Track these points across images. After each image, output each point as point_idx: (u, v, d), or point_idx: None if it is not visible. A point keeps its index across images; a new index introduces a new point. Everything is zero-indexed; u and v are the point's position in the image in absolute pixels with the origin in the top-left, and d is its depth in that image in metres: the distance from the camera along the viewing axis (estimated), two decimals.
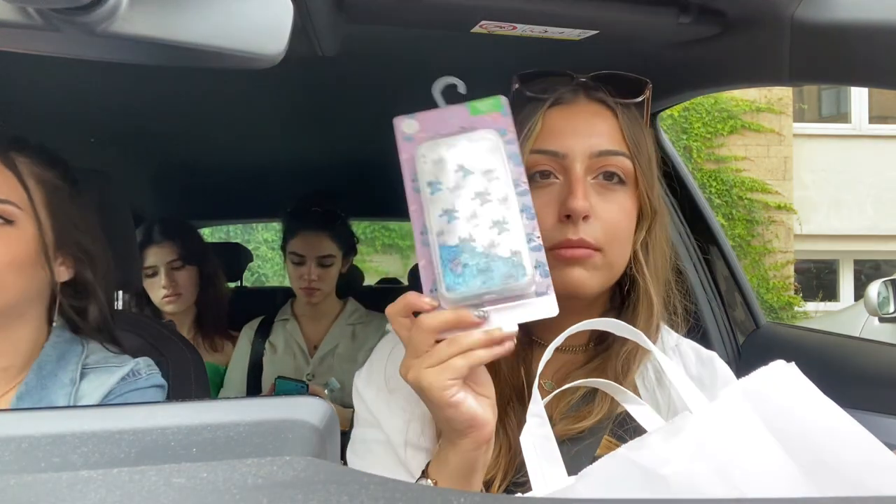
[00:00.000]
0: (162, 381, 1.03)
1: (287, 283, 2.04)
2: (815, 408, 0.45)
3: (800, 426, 0.44)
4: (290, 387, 1.81)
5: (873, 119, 8.23)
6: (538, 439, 0.54)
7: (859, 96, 8.12)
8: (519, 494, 0.58)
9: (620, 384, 0.69)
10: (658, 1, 0.83)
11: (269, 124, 1.63)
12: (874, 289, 3.37)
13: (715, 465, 0.43)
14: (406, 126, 0.66)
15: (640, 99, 0.79)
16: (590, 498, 0.44)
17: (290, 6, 0.40)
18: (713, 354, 0.85)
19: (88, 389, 0.93)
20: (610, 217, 0.74)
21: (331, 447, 0.30)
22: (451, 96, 0.80)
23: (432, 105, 0.67)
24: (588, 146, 0.74)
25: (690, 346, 0.85)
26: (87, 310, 0.98)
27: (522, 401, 0.76)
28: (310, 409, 0.30)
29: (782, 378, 0.46)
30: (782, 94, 7.79)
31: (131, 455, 0.27)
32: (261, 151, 1.88)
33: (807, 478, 0.43)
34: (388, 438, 0.77)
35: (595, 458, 0.70)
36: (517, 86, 0.80)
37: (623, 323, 0.62)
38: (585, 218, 0.72)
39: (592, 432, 0.75)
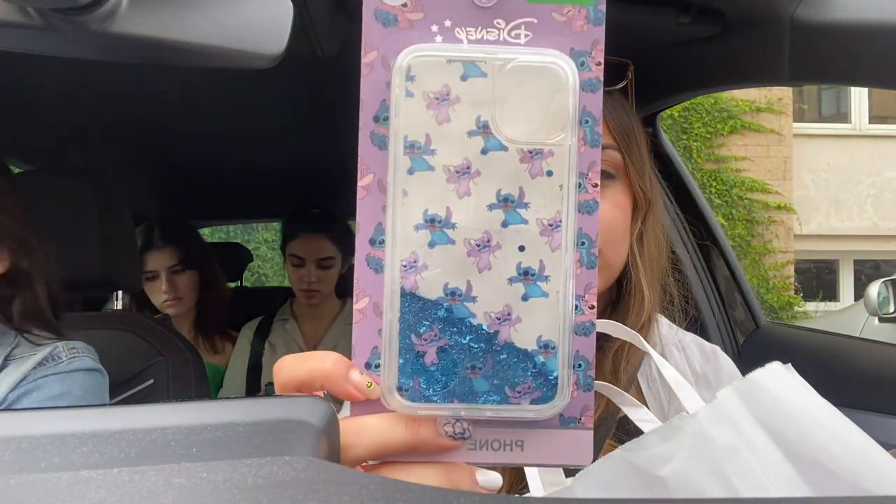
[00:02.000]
0: (93, 364, 0.96)
1: (287, 283, 2.05)
2: (811, 409, 0.45)
3: (796, 427, 0.44)
4: None
5: (873, 119, 8.23)
6: None
7: (859, 96, 8.12)
8: (518, 495, 0.58)
9: (614, 383, 0.69)
10: (658, 1, 0.83)
11: (269, 124, 1.63)
12: (874, 289, 3.37)
13: (712, 466, 0.43)
14: None
15: (622, 84, 0.75)
16: (588, 498, 0.44)
17: (290, 6, 0.40)
18: (716, 348, 0.84)
19: (3, 380, 0.88)
20: (604, 216, 0.71)
21: (331, 447, 0.30)
22: None
23: None
24: None
25: (694, 342, 0.84)
26: (15, 299, 0.93)
27: None
28: (310, 409, 0.30)
29: (779, 379, 0.46)
30: (782, 94, 7.78)
31: (131, 455, 0.27)
32: (261, 151, 1.88)
33: (803, 479, 0.43)
34: None
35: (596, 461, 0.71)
36: None
37: (620, 325, 0.62)
38: None
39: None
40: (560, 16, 0.31)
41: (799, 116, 8.16)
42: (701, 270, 1.54)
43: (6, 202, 0.93)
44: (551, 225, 0.30)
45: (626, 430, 0.75)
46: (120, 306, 2.23)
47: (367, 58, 0.31)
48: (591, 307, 0.32)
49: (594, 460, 0.47)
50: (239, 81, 1.24)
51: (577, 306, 0.32)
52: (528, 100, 0.30)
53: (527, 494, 0.51)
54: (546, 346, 0.31)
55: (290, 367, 0.34)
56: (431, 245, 0.30)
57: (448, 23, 0.31)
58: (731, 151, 7.82)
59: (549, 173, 0.30)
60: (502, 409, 0.31)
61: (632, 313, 0.74)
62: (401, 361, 0.31)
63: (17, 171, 1.59)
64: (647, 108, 1.39)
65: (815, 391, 0.46)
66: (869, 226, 8.03)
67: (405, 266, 0.30)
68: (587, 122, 0.31)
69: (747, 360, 1.47)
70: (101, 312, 1.87)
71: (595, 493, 0.44)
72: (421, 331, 0.31)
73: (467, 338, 0.31)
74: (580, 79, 0.31)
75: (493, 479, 0.33)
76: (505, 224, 0.30)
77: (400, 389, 0.31)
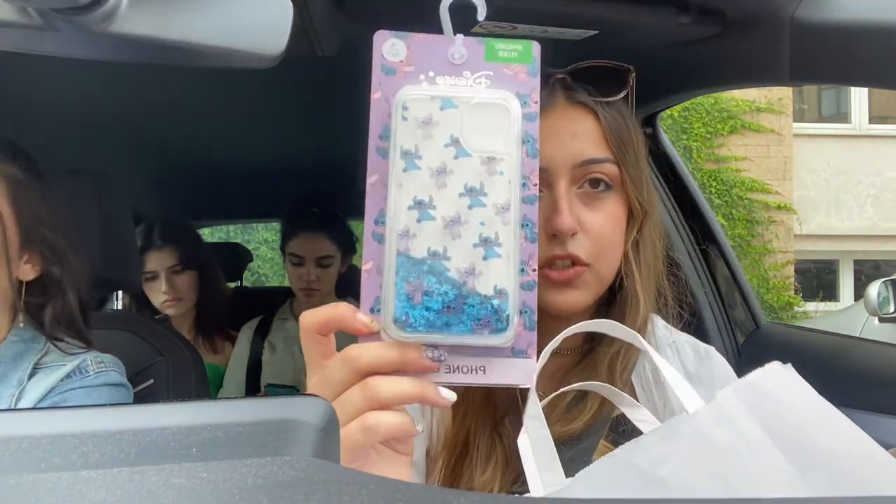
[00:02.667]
0: (119, 379, 0.95)
1: (287, 283, 2.04)
2: (811, 409, 0.45)
3: (796, 427, 0.44)
4: (282, 393, 1.81)
5: (873, 119, 8.23)
6: (536, 442, 0.54)
7: (859, 96, 8.11)
8: (517, 495, 0.58)
9: (612, 385, 0.69)
10: (658, 1, 0.83)
11: (269, 124, 1.63)
12: (874, 289, 3.37)
13: (711, 466, 0.43)
14: (388, 49, 0.47)
15: (622, 94, 0.75)
16: (588, 498, 0.44)
17: (290, 6, 0.40)
18: (710, 348, 0.84)
19: (31, 388, 0.87)
20: (598, 227, 0.72)
21: (331, 447, 0.30)
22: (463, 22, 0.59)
23: None
24: (571, 156, 0.71)
25: (688, 342, 0.84)
26: (47, 307, 0.92)
27: (518, 411, 0.75)
28: (310, 409, 0.30)
29: (779, 379, 0.46)
30: (782, 94, 7.78)
31: (131, 455, 0.27)
32: (261, 151, 1.88)
33: (804, 478, 0.43)
34: None
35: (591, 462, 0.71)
36: None
37: (617, 324, 0.62)
38: (573, 235, 0.70)
39: (588, 435, 0.74)
40: (509, 70, 0.46)
41: (799, 116, 8.15)
42: (701, 270, 1.54)
43: (40, 208, 0.93)
44: (503, 208, 0.43)
45: (619, 432, 0.74)
46: (120, 306, 2.23)
47: (375, 95, 0.46)
48: (534, 270, 0.45)
49: (590, 463, 0.47)
50: (239, 81, 1.24)
51: (522, 269, 0.44)
52: (487, 124, 0.44)
53: (527, 494, 0.51)
54: (500, 293, 0.43)
55: (310, 316, 0.45)
56: (419, 220, 0.43)
57: (431, 73, 0.46)
58: (731, 151, 7.81)
59: (501, 173, 0.44)
60: (469, 338, 0.43)
61: (627, 319, 0.74)
62: (396, 302, 0.43)
63: None
64: (648, 108, 1.39)
65: (815, 391, 0.46)
66: (869, 226, 8.03)
67: (400, 235, 0.43)
68: (528, 141, 0.45)
69: (747, 360, 1.47)
70: (101, 312, 1.87)
71: (595, 492, 0.44)
72: (410, 279, 0.43)
73: (444, 286, 0.43)
74: (523, 112, 0.45)
75: (451, 396, 0.45)
76: (470, 206, 0.43)
77: (395, 322, 0.43)
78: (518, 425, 0.75)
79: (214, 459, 0.26)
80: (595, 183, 0.72)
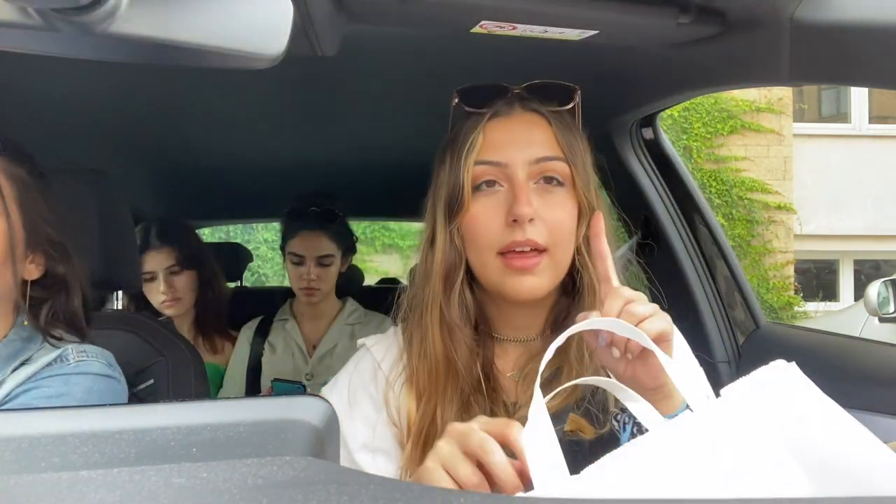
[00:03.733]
0: (102, 369, 0.94)
1: (287, 283, 2.04)
2: (816, 407, 0.45)
3: (801, 425, 0.44)
4: (287, 388, 1.81)
5: (873, 119, 8.23)
6: (540, 437, 0.54)
7: (859, 96, 8.11)
8: (519, 494, 0.58)
9: (581, 368, 0.80)
10: (658, 1, 0.83)
11: (269, 124, 1.63)
12: (874, 289, 3.37)
13: (716, 464, 0.43)
14: None
15: (569, 106, 0.85)
16: (589, 498, 0.44)
17: (290, 6, 0.40)
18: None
19: (14, 377, 0.87)
20: (553, 217, 0.81)
21: (331, 447, 0.30)
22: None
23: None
24: (527, 155, 0.81)
25: None
26: (46, 303, 0.92)
27: (482, 393, 0.83)
28: (310, 409, 0.30)
29: (783, 377, 0.47)
30: (782, 94, 7.78)
31: (131, 455, 0.27)
32: (261, 151, 1.88)
33: (808, 476, 0.43)
34: (345, 443, 0.84)
35: (564, 434, 0.77)
36: (456, 100, 0.86)
37: (623, 322, 0.63)
38: (531, 220, 0.78)
39: (558, 417, 0.78)
40: None
41: (799, 116, 8.15)
42: (701, 270, 1.54)
43: (44, 208, 0.94)
44: None
45: (592, 402, 0.80)
46: (120, 306, 2.23)
47: None
48: None
49: (563, 435, 0.48)
50: (239, 81, 1.24)
51: None
52: None
53: (529, 493, 0.51)
54: None
55: (468, 436, 0.56)
56: None
57: None
58: (731, 151, 7.81)
59: None
60: None
61: (587, 306, 0.82)
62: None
63: None
64: (648, 108, 1.39)
65: (819, 390, 0.46)
66: (869, 226, 8.03)
67: None
68: None
69: (747, 360, 1.47)
70: (101, 312, 1.87)
71: (597, 490, 0.44)
72: None
73: None
74: None
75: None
76: None
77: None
78: (486, 407, 0.80)
79: (214, 459, 0.26)
80: (549, 179, 0.82)
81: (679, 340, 0.86)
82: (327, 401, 0.32)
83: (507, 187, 0.81)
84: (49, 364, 0.89)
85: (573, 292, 0.87)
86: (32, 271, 0.92)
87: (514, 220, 0.78)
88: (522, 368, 0.85)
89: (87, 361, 0.92)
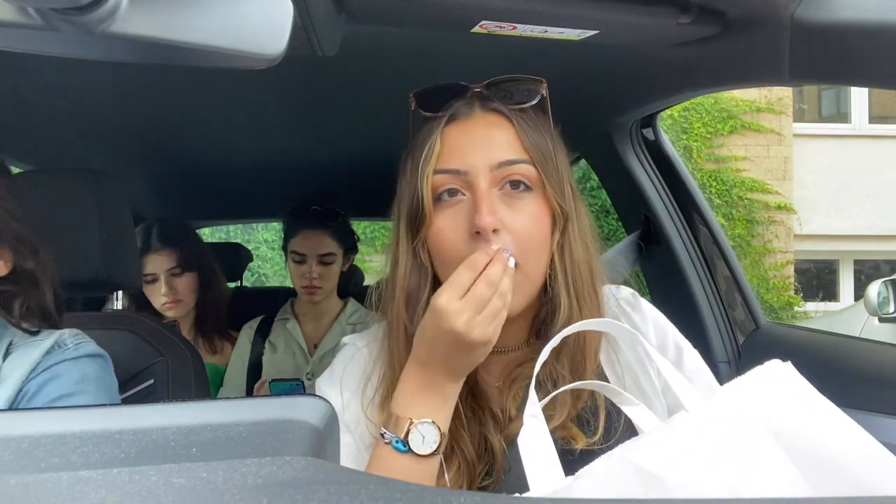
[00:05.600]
0: (97, 350, 0.97)
1: (287, 283, 2.04)
2: (812, 406, 0.45)
3: (797, 424, 0.44)
4: (285, 387, 1.81)
5: (873, 119, 8.22)
6: (536, 441, 0.54)
7: (859, 96, 8.11)
8: (518, 494, 0.58)
9: (573, 378, 0.74)
10: (658, 1, 0.83)
11: (269, 124, 1.63)
12: (874, 289, 3.37)
13: (711, 464, 0.43)
14: None
15: (534, 101, 0.78)
16: (589, 498, 0.44)
17: (290, 6, 0.40)
18: (633, 293, 0.88)
19: (11, 368, 0.90)
20: (521, 226, 0.74)
21: (331, 447, 0.30)
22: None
23: None
24: (488, 159, 0.74)
25: (626, 302, 0.87)
26: (17, 297, 0.93)
27: (469, 407, 0.78)
28: (310, 409, 0.30)
29: (779, 377, 0.47)
30: (782, 94, 7.78)
31: (131, 455, 0.27)
32: (261, 151, 1.88)
33: (803, 476, 0.43)
34: (346, 426, 0.80)
35: (556, 442, 0.73)
36: (414, 105, 0.80)
37: (618, 323, 0.63)
38: (496, 231, 0.72)
39: (556, 432, 0.75)
40: None
41: (799, 116, 8.15)
42: (701, 270, 1.54)
43: (10, 203, 0.93)
44: None
45: (585, 409, 0.77)
46: (120, 306, 2.23)
47: None
48: None
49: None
50: (239, 81, 1.24)
51: None
52: None
53: (526, 494, 0.51)
54: None
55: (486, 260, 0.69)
56: None
57: None
58: (731, 151, 7.81)
59: None
60: None
61: (551, 324, 0.76)
62: None
63: (17, 170, 1.59)
64: (648, 108, 1.39)
65: (814, 389, 0.46)
66: (869, 226, 8.02)
67: None
68: None
69: (747, 359, 1.47)
70: (101, 312, 1.87)
71: (594, 491, 0.44)
72: None
73: None
74: None
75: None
76: None
77: None
78: (475, 425, 0.77)
79: (214, 459, 0.26)
80: (515, 184, 0.75)
81: (691, 353, 0.83)
82: (327, 401, 0.32)
83: (469, 196, 0.75)
84: (49, 351, 0.92)
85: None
86: (0, 267, 0.92)
87: (478, 232, 0.72)
88: (508, 377, 0.80)
89: (85, 343, 0.96)
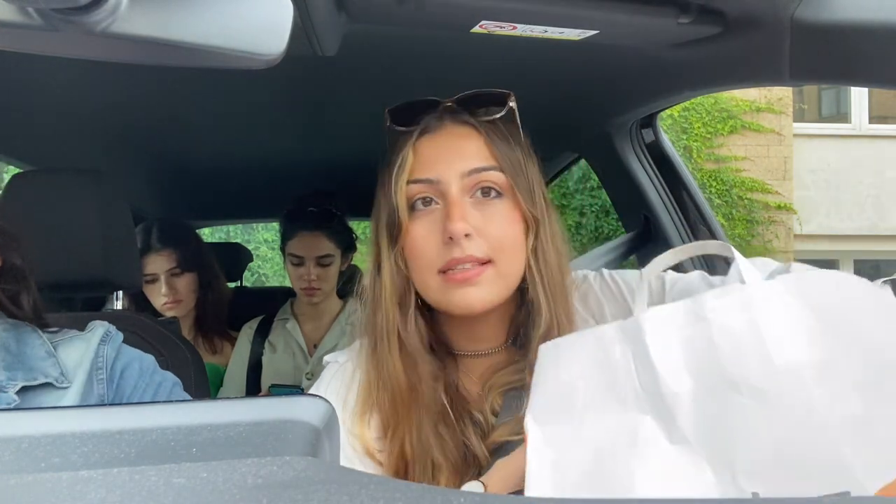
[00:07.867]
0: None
1: (287, 283, 2.04)
2: (864, 299, 0.52)
3: (843, 312, 0.50)
4: (286, 393, 1.81)
5: (873, 119, 8.22)
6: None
7: (859, 96, 8.10)
8: (518, 494, 0.58)
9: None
10: (658, 1, 0.83)
11: (268, 124, 1.63)
12: None
13: (751, 320, 0.50)
14: None
15: (501, 113, 0.81)
16: (588, 498, 0.44)
17: (290, 6, 0.40)
18: (611, 273, 0.89)
19: (71, 356, 0.91)
20: (493, 230, 0.77)
21: (331, 447, 0.30)
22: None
23: None
24: (458, 168, 0.78)
25: (624, 282, 0.87)
26: (21, 294, 0.94)
27: (448, 419, 0.79)
28: (310, 409, 0.30)
29: (834, 278, 0.52)
30: (782, 94, 7.77)
31: (131, 455, 0.27)
32: (261, 151, 1.88)
33: (834, 354, 0.48)
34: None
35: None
36: (388, 121, 0.83)
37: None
38: (468, 236, 0.75)
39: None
40: None
41: (799, 116, 8.15)
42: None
43: None
44: None
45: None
46: (120, 306, 2.23)
47: None
48: None
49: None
50: (239, 81, 1.24)
51: None
52: None
53: (527, 494, 0.51)
54: None
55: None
56: None
57: None
58: (731, 151, 7.81)
59: None
60: None
61: (533, 328, 0.79)
62: None
63: (17, 170, 1.59)
64: (647, 108, 1.39)
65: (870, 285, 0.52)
66: (869, 226, 8.02)
67: None
68: None
69: None
70: (101, 313, 1.87)
71: (655, 326, 0.54)
72: None
73: None
74: None
75: None
76: None
77: None
78: (454, 435, 0.79)
79: (214, 459, 0.26)
80: (486, 191, 0.79)
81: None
82: (327, 401, 0.32)
83: (442, 204, 0.78)
84: (102, 341, 0.95)
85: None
86: None
87: (450, 238, 0.75)
88: (486, 384, 0.82)
89: (118, 332, 1.00)
